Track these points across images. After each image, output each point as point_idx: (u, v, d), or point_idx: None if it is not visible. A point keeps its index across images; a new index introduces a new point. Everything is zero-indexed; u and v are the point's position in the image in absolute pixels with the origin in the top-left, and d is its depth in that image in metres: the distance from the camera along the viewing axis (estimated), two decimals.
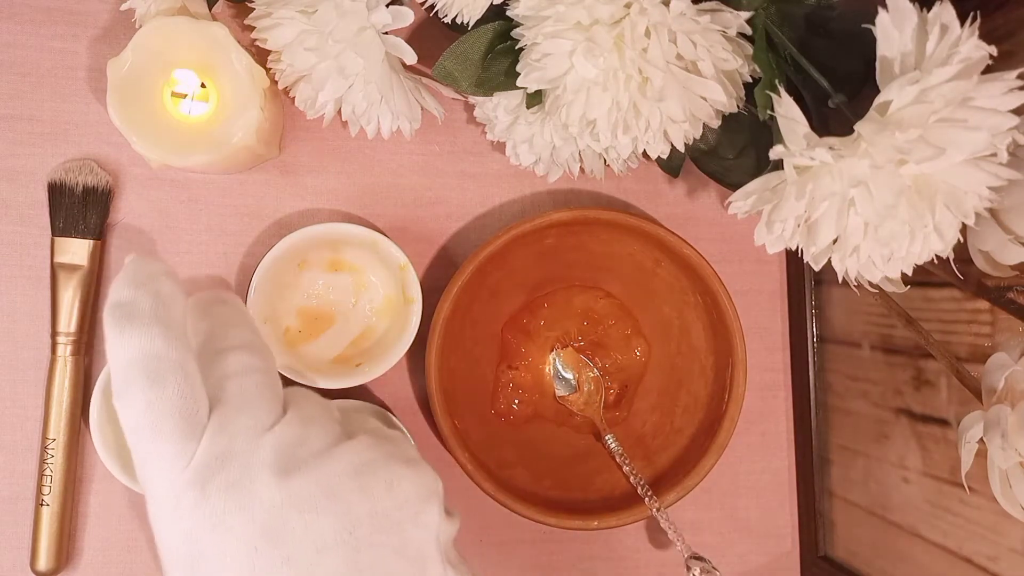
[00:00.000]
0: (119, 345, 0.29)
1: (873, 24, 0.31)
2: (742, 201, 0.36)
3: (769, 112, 0.35)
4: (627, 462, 0.47)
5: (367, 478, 0.30)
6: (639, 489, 0.46)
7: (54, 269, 0.46)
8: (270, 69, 0.43)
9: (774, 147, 0.34)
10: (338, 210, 0.50)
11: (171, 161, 0.42)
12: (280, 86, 0.43)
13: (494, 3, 0.39)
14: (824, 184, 0.32)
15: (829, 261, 0.35)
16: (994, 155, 0.31)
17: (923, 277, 0.41)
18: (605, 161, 0.47)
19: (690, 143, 0.40)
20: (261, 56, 0.43)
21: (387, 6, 0.39)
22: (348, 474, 0.30)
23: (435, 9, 0.40)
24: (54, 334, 0.46)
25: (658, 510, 0.45)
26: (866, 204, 0.32)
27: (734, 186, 0.37)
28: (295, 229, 0.45)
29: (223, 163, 0.44)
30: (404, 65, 0.42)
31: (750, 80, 0.38)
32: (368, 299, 0.49)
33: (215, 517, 0.28)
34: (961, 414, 0.37)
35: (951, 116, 0.30)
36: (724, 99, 0.37)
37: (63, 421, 0.46)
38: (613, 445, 0.48)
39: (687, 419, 0.49)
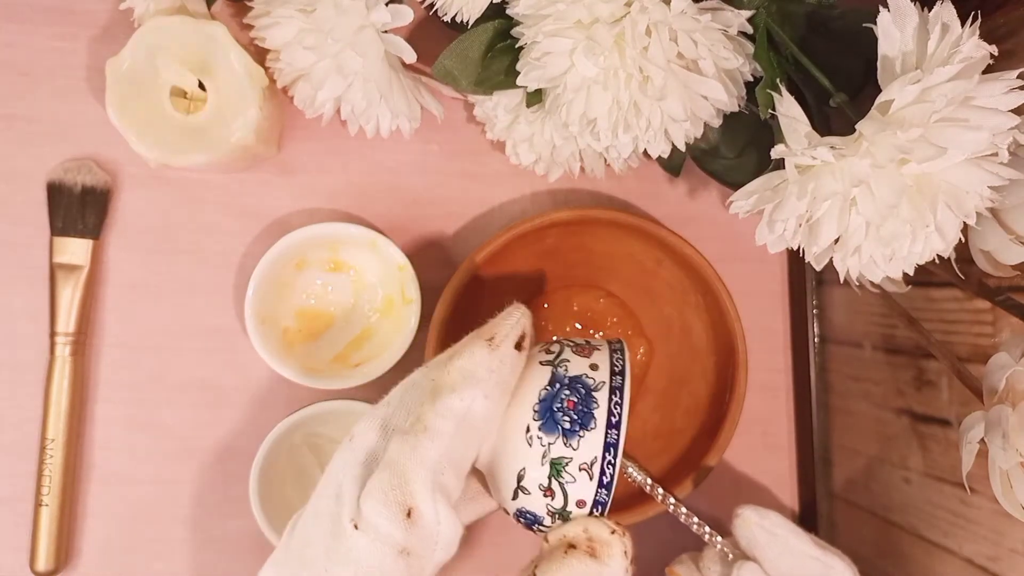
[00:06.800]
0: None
1: (874, 23, 0.31)
2: (743, 200, 0.36)
3: (770, 111, 0.34)
4: (654, 488, 0.40)
5: None
6: (659, 498, 0.40)
7: (53, 269, 0.46)
8: (269, 68, 0.43)
9: (775, 146, 0.34)
10: (337, 210, 0.50)
11: (170, 161, 0.42)
12: (279, 85, 0.43)
13: (494, 1, 0.39)
14: (826, 183, 0.32)
15: (831, 261, 0.35)
16: (995, 154, 0.31)
17: (924, 277, 0.41)
18: (605, 160, 0.47)
19: (691, 142, 0.40)
20: (260, 55, 0.43)
21: (386, 4, 0.39)
22: None
23: (434, 8, 0.40)
24: (53, 334, 0.46)
25: (698, 522, 0.40)
26: (868, 203, 0.32)
27: (735, 185, 0.37)
28: (294, 229, 0.45)
29: (222, 163, 0.44)
30: (403, 64, 0.42)
31: (751, 79, 0.38)
32: (367, 299, 0.48)
33: None
34: (962, 414, 0.37)
35: (952, 115, 0.29)
36: (725, 98, 0.37)
37: (62, 421, 0.46)
38: (638, 476, 0.40)
39: (688, 420, 0.49)
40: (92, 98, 0.48)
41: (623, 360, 0.32)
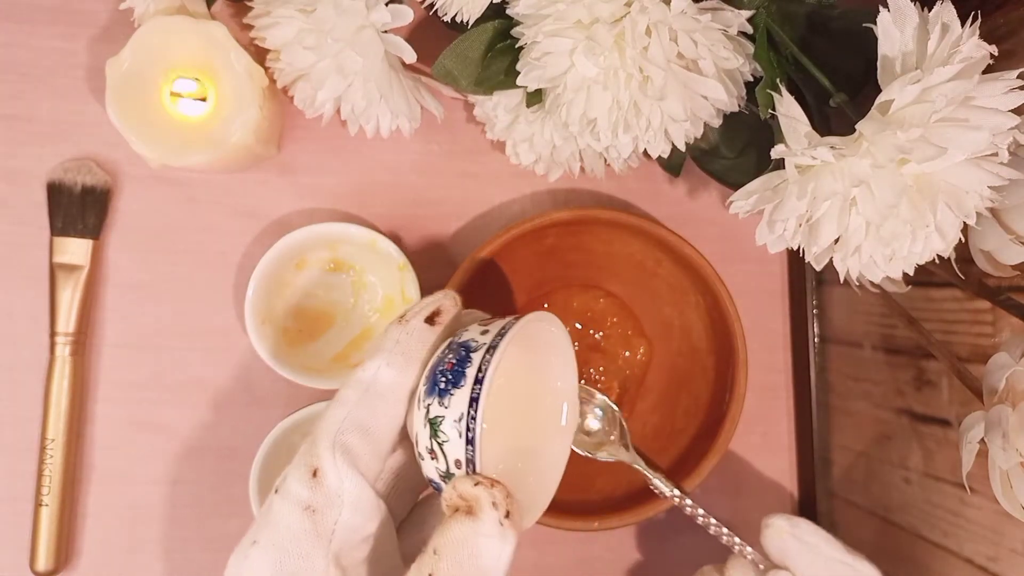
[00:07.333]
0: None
1: (874, 23, 0.31)
2: (743, 200, 0.36)
3: (770, 111, 0.34)
4: (682, 500, 0.42)
5: None
6: (687, 510, 0.42)
7: (53, 269, 0.46)
8: (269, 68, 0.43)
9: (775, 146, 0.34)
10: (337, 209, 0.50)
11: (170, 160, 0.42)
12: (279, 85, 0.43)
13: (494, 1, 0.39)
14: (826, 183, 0.32)
15: (831, 261, 0.35)
16: (995, 154, 0.30)
17: (924, 277, 0.41)
18: (605, 160, 0.47)
19: (691, 142, 0.40)
20: (260, 55, 0.43)
21: (386, 4, 0.39)
22: None
23: (434, 8, 0.40)
24: (53, 334, 0.46)
25: (728, 533, 0.40)
26: (868, 203, 0.32)
27: (735, 185, 0.37)
28: (294, 229, 0.45)
29: (222, 162, 0.44)
30: (403, 64, 0.42)
31: (751, 79, 0.38)
32: (367, 299, 0.48)
33: None
34: (962, 414, 0.37)
35: (952, 115, 0.29)
36: (725, 98, 0.37)
37: (62, 421, 0.46)
38: (665, 488, 0.42)
39: (688, 420, 0.49)
40: (92, 98, 0.48)
41: (513, 326, 0.31)
